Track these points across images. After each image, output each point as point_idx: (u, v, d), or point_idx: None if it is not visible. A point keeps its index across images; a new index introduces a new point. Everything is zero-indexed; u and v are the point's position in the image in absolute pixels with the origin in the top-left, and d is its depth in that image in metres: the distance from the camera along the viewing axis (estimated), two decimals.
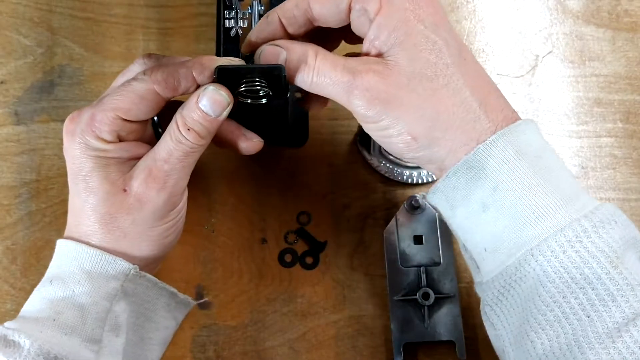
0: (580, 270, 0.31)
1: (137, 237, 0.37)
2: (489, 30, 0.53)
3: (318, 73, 0.34)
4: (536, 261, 0.32)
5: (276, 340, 0.45)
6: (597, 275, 0.31)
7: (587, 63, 0.52)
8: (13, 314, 0.46)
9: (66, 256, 0.36)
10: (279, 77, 0.35)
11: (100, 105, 0.36)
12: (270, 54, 0.35)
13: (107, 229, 0.36)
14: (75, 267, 0.36)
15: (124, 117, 0.36)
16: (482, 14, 0.54)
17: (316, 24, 0.36)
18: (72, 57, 0.51)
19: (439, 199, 0.36)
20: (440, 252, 0.45)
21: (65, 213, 0.47)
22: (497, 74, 0.52)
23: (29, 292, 0.46)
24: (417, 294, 0.44)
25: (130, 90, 0.36)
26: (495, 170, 0.33)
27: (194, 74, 0.36)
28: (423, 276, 0.45)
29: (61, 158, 0.48)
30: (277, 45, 0.35)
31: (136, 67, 0.39)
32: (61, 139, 0.48)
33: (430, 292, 0.44)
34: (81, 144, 0.35)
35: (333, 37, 0.39)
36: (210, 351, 0.45)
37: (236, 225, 0.48)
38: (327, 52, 0.35)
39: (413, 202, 0.46)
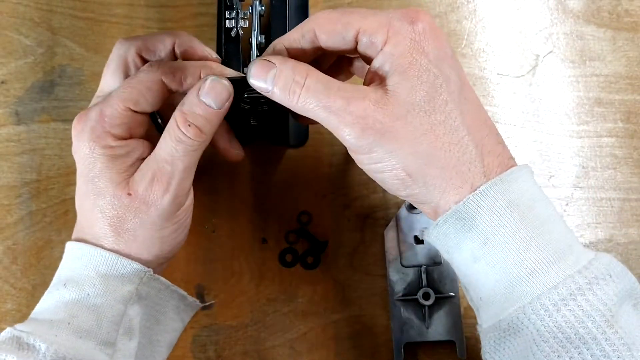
0: (575, 330, 0.30)
1: (147, 239, 0.36)
2: (489, 30, 0.53)
3: (307, 93, 0.32)
4: (529, 319, 0.31)
5: (277, 340, 0.45)
6: (593, 335, 0.29)
7: (588, 63, 0.52)
8: (14, 313, 0.46)
9: (80, 259, 0.36)
10: None
11: (107, 101, 0.36)
12: (261, 68, 0.33)
13: (117, 232, 0.36)
14: (90, 270, 0.35)
15: (133, 108, 0.36)
16: (483, 14, 0.54)
17: (324, 51, 0.35)
18: (73, 57, 0.51)
19: (434, 242, 0.35)
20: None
21: (65, 213, 0.47)
22: (498, 74, 0.52)
23: (29, 292, 0.46)
24: (418, 293, 0.44)
25: (138, 82, 0.36)
26: (485, 222, 0.31)
27: (201, 73, 0.36)
28: (423, 276, 0.45)
29: (62, 158, 0.48)
30: (268, 60, 0.33)
31: (118, 52, 0.39)
32: (61, 139, 0.49)
33: (431, 292, 0.44)
34: (90, 142, 0.35)
35: (343, 68, 0.39)
36: (210, 351, 0.45)
37: (237, 225, 0.48)
38: (322, 74, 0.33)
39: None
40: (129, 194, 0.35)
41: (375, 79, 0.33)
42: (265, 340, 0.45)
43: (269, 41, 0.48)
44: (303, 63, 0.34)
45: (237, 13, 0.44)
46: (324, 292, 0.46)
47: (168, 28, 0.52)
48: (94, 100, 0.39)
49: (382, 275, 0.46)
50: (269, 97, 0.34)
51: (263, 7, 0.45)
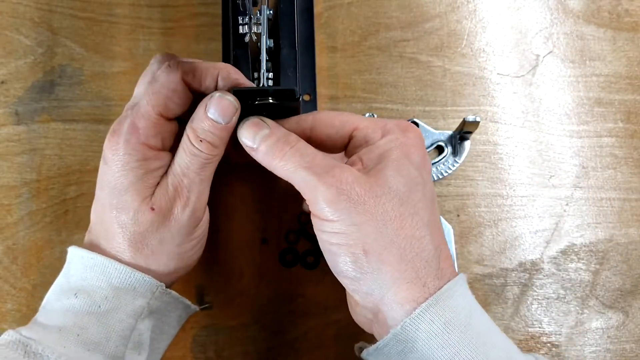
0: None
1: (165, 255, 0.36)
2: (489, 30, 0.53)
3: (294, 152, 0.34)
4: None
5: (277, 340, 0.45)
6: None
7: (588, 63, 0.52)
8: (14, 313, 0.46)
9: (92, 269, 0.35)
10: (291, 97, 0.36)
11: (137, 112, 0.36)
12: (253, 125, 0.36)
13: (135, 247, 0.35)
14: (103, 282, 0.35)
15: (165, 115, 0.36)
16: (483, 14, 0.54)
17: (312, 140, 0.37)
18: (73, 57, 0.51)
19: None
20: None
21: (65, 213, 0.47)
22: (498, 74, 0.52)
23: (29, 292, 0.46)
24: None
25: (161, 86, 0.36)
26: (425, 344, 0.31)
27: (219, 75, 0.36)
28: None
29: (61, 158, 0.48)
30: (262, 120, 0.36)
31: (155, 66, 0.39)
32: (61, 139, 0.49)
33: None
34: (125, 155, 0.35)
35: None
36: (210, 351, 0.45)
37: (237, 225, 0.48)
38: (308, 144, 0.35)
39: None
40: (152, 209, 0.35)
41: (358, 164, 0.35)
42: (266, 340, 0.45)
43: (277, 45, 0.48)
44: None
45: (250, 19, 0.44)
46: (324, 291, 0.46)
47: (168, 28, 0.52)
48: (126, 109, 0.38)
49: None
50: (251, 154, 0.36)
51: (271, 11, 0.45)
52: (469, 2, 0.54)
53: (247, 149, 0.36)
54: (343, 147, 0.37)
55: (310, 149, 0.35)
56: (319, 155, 0.34)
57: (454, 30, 0.53)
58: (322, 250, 0.34)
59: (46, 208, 0.48)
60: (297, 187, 0.34)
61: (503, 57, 0.52)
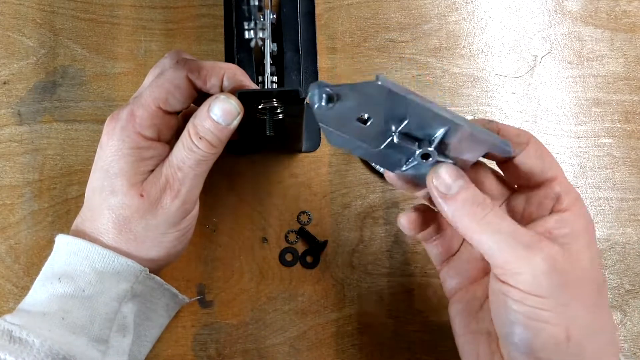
0: None
1: (147, 241, 0.37)
2: (488, 31, 0.53)
3: (497, 213, 0.30)
4: None
5: (277, 338, 0.46)
6: None
7: (586, 63, 0.53)
8: None
9: (76, 255, 0.36)
10: (296, 98, 0.36)
11: (138, 101, 0.36)
12: (453, 171, 0.31)
13: (119, 230, 0.36)
14: (86, 267, 0.36)
15: (163, 108, 0.36)
16: (481, 15, 0.54)
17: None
18: (75, 58, 0.51)
19: None
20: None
21: (67, 212, 0.48)
22: (496, 75, 0.52)
23: None
24: (416, 153, 0.32)
25: (165, 80, 0.36)
26: None
27: (225, 75, 0.37)
28: (402, 140, 0.32)
29: (63, 158, 0.49)
30: (459, 171, 0.32)
31: (167, 61, 0.40)
32: (63, 139, 0.49)
33: (428, 147, 0.32)
34: (120, 141, 0.36)
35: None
36: (211, 349, 0.45)
37: (237, 225, 0.48)
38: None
39: (324, 95, 0.30)
40: (141, 195, 0.36)
41: (548, 237, 0.31)
42: (266, 339, 0.46)
43: (281, 49, 0.48)
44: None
45: (256, 24, 0.44)
46: (324, 290, 0.47)
47: (169, 29, 0.52)
48: (131, 98, 0.39)
49: (381, 274, 0.47)
50: (444, 200, 0.31)
51: (274, 15, 0.45)
52: (468, 4, 0.54)
53: (434, 192, 0.32)
54: (531, 185, 0.34)
55: (507, 216, 0.31)
56: (517, 224, 0.31)
57: (453, 32, 0.53)
58: (501, 322, 0.31)
59: (48, 208, 0.48)
60: (487, 253, 0.30)
61: (501, 58, 0.53)
